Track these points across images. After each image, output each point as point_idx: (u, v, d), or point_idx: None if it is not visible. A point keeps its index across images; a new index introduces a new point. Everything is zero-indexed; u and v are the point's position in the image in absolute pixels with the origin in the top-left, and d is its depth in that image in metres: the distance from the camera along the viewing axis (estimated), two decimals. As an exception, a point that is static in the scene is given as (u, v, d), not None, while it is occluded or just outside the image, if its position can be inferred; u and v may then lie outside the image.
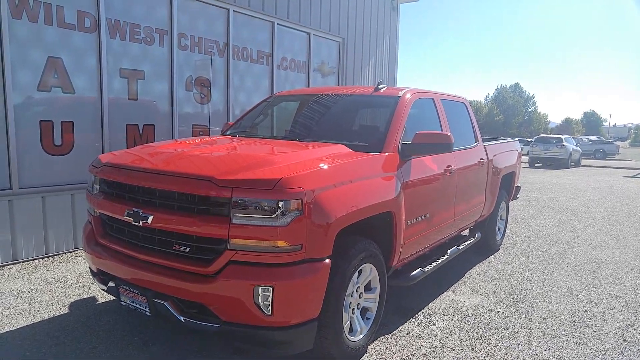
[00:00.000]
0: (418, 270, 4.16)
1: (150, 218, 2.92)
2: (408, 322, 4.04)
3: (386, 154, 3.69)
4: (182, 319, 2.85)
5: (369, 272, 3.41)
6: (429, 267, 4.31)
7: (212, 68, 7.18)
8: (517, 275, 5.46)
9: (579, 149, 28.08)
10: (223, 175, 2.79)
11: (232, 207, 2.70)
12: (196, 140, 4.07)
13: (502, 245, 6.79)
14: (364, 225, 3.32)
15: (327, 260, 2.87)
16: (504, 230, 6.81)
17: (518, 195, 7.47)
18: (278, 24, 8.36)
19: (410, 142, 3.86)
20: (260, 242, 2.70)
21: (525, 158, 28.62)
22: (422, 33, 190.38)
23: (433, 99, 4.76)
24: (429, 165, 4.18)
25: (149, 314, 2.98)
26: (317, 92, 4.78)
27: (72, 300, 4.18)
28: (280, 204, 2.67)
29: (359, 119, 4.40)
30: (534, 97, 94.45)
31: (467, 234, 5.78)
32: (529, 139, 35.53)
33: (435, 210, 4.33)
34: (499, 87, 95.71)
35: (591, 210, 10.29)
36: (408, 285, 4.23)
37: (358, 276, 3.33)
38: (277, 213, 2.67)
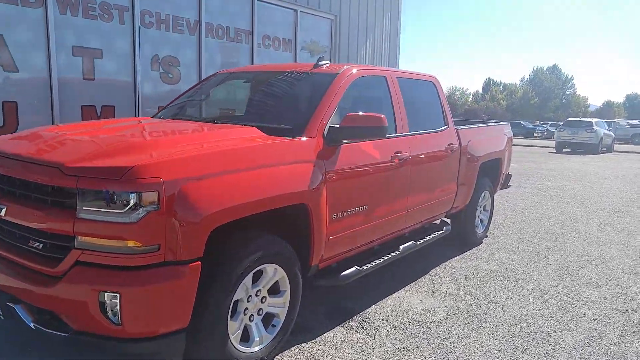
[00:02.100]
0: (353, 269, 3.71)
1: (4, 210, 2.59)
2: (338, 327, 3.61)
3: (305, 138, 3.24)
4: (32, 325, 2.51)
5: (273, 273, 2.99)
6: (369, 265, 3.86)
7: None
8: (488, 274, 4.92)
9: (611, 133, 26.60)
10: (73, 163, 2.42)
11: (78, 198, 2.33)
12: (98, 123, 3.71)
13: (486, 239, 6.23)
14: (266, 219, 2.92)
15: (196, 263, 2.47)
16: (488, 223, 6.23)
17: (509, 184, 6.86)
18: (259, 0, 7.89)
19: (338, 126, 3.40)
20: (108, 240, 2.32)
21: (552, 143, 27.42)
22: (442, 11, 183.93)
23: (385, 78, 4.24)
24: (367, 151, 3.70)
25: (3, 318, 2.66)
26: (258, 70, 4.35)
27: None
28: (131, 196, 2.28)
29: (292, 99, 3.93)
30: (572, 79, 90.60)
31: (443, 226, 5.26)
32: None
33: (377, 202, 3.85)
34: (534, 69, 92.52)
35: (603, 200, 9.50)
36: (342, 285, 3.80)
37: (258, 278, 2.93)
38: (127, 207, 2.28)
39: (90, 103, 5.92)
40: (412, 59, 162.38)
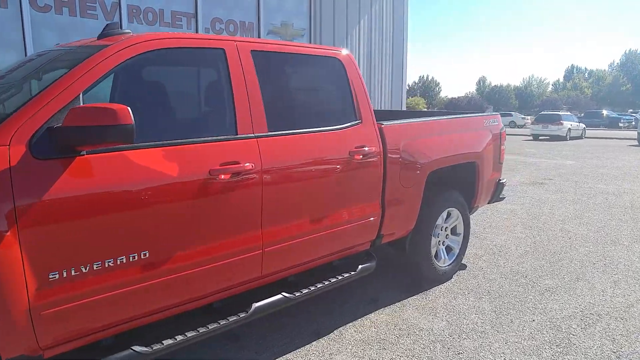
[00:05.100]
0: (127, 352, 2.35)
1: None
2: None
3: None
4: None
5: None
6: (171, 342, 2.48)
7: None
8: (421, 337, 3.32)
9: None
10: None
11: None
12: None
13: (462, 271, 4.56)
14: None
15: None
16: (461, 251, 4.52)
17: (502, 196, 5.06)
18: (208, -25, 6.64)
19: (54, 127, 2.06)
20: None
21: (633, 133, 23.83)
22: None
23: (224, 51, 2.80)
24: (146, 165, 2.31)
25: None
26: (57, 48, 3.10)
27: None
28: None
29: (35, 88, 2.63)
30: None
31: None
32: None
33: (177, 244, 2.45)
34: (627, 52, 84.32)
35: (667, 211, 7.27)
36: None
37: None
38: None
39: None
40: (475, 47, 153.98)
